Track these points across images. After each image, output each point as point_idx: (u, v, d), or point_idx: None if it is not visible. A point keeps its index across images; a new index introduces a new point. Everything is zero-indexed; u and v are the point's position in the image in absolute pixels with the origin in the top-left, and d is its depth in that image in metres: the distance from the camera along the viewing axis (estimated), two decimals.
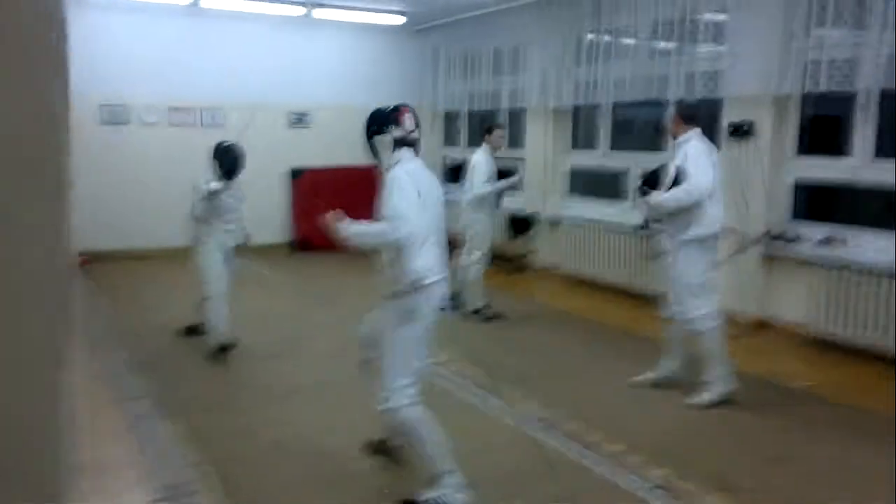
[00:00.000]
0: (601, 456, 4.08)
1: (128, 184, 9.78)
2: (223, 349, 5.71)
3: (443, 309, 3.54)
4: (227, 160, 5.71)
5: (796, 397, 5.12)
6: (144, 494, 3.59)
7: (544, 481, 3.78)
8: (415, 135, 3.59)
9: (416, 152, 3.60)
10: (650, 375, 5.22)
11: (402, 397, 3.40)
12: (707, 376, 4.84)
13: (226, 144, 5.83)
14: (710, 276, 4.88)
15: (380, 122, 3.56)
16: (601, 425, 4.46)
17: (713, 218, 4.78)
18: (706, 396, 4.83)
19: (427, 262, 3.42)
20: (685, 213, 4.79)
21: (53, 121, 0.85)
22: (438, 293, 3.50)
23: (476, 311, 7.05)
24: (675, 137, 5.02)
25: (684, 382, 5.08)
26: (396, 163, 3.49)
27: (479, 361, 5.56)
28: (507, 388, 5.04)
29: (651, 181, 5.04)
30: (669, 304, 5.04)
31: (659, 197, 4.87)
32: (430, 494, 3.41)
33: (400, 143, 3.53)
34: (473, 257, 7.06)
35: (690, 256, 4.81)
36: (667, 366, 5.18)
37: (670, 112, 5.11)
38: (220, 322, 5.73)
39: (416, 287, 3.37)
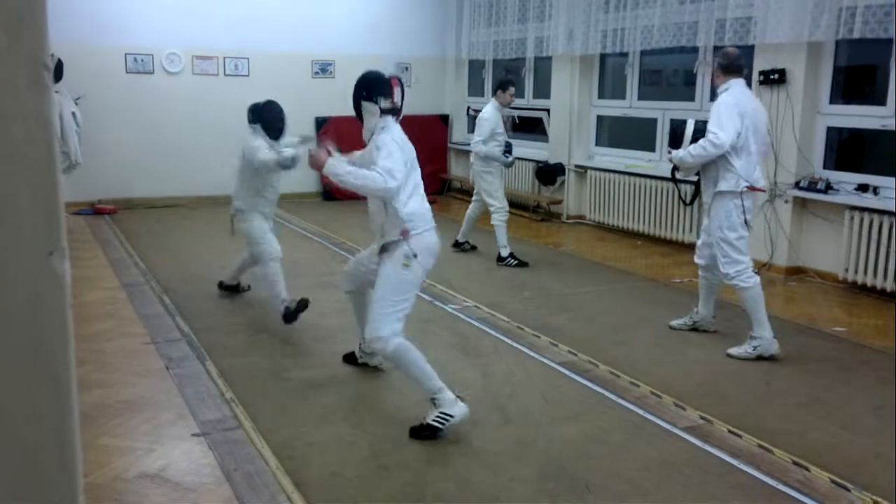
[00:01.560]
0: (631, 398, 4.13)
1: (153, 132, 9.83)
2: (298, 309, 5.25)
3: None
4: (276, 121, 5.39)
5: (829, 342, 5.14)
6: (186, 429, 3.70)
7: (576, 420, 3.85)
8: (399, 105, 3.85)
9: (397, 120, 3.86)
10: (687, 320, 5.25)
11: (391, 334, 3.64)
12: (753, 331, 4.77)
13: (269, 104, 5.45)
14: (745, 232, 4.76)
15: (370, 90, 3.80)
16: (630, 369, 4.51)
17: (744, 172, 4.64)
18: (748, 349, 4.76)
19: (417, 210, 3.71)
20: (714, 167, 4.71)
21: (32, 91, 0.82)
22: (429, 241, 3.75)
23: (503, 259, 7.15)
24: (715, 88, 4.87)
25: (717, 329, 5.14)
26: (382, 128, 3.76)
27: (503, 308, 5.62)
28: (533, 335, 5.10)
29: (678, 135, 4.98)
30: (700, 250, 5.03)
31: (679, 152, 4.82)
32: (432, 415, 3.61)
33: (386, 111, 3.79)
34: (491, 209, 7.16)
35: (723, 210, 4.72)
36: (701, 312, 5.20)
37: (712, 61, 4.95)
38: (282, 285, 5.35)
39: (408, 234, 3.64)
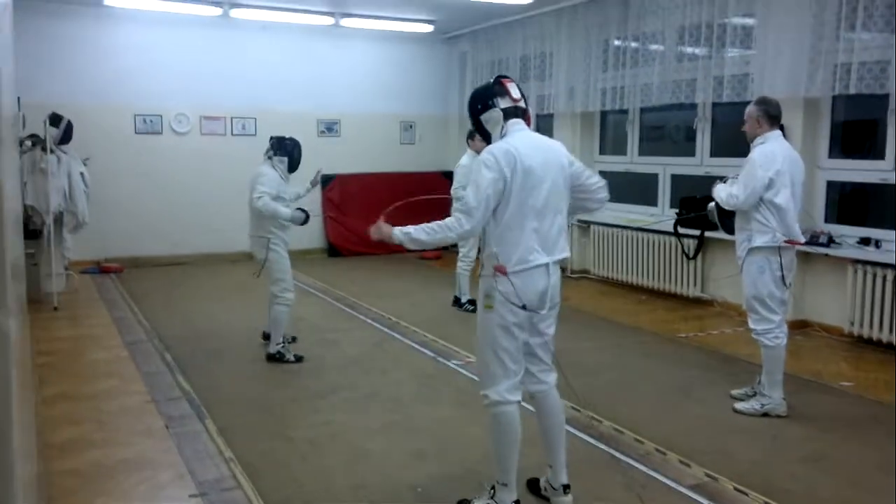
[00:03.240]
0: (637, 455, 4.07)
1: (160, 192, 9.96)
2: (289, 360, 5.75)
3: (524, 307, 3.21)
4: (299, 158, 5.83)
5: (835, 397, 5.08)
6: (184, 489, 3.66)
7: (582, 479, 3.79)
8: (522, 104, 3.34)
9: (528, 124, 3.35)
10: (748, 389, 4.93)
11: (498, 389, 3.25)
12: (764, 388, 4.69)
13: (296, 142, 5.86)
14: (778, 291, 4.60)
15: (484, 98, 3.34)
16: (634, 426, 4.46)
17: (780, 226, 4.50)
18: (756, 406, 4.68)
19: (513, 246, 3.18)
20: (747, 221, 4.59)
21: None
22: (527, 283, 3.19)
23: (458, 303, 7.48)
24: (751, 139, 4.66)
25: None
26: (504, 135, 3.27)
27: None
28: None
29: (691, 204, 4.89)
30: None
31: (720, 193, 4.71)
32: (482, 501, 3.38)
33: (509, 114, 3.31)
34: (460, 254, 7.46)
35: (756, 266, 4.59)
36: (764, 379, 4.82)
37: (750, 110, 4.66)
38: (283, 330, 5.83)
39: (504, 271, 3.16)
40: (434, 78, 11.67)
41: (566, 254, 3.37)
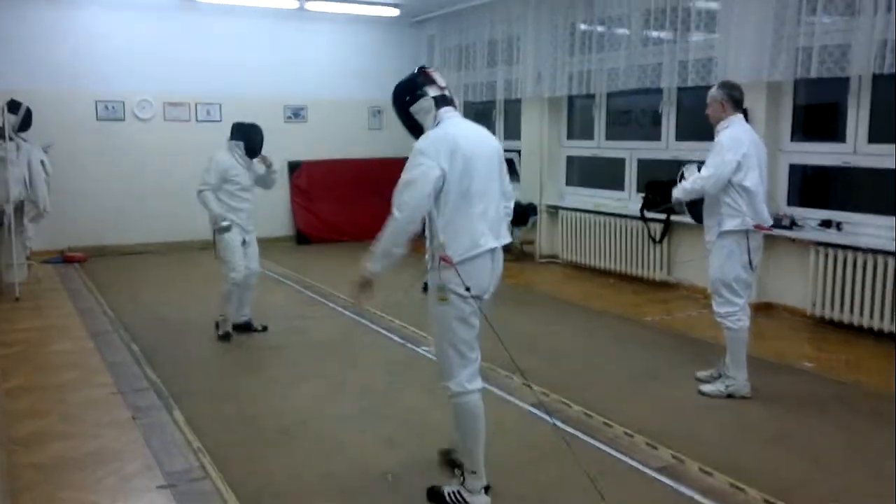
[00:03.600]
0: (605, 438, 4.12)
1: (124, 179, 9.80)
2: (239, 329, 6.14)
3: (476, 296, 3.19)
4: (259, 144, 5.87)
5: (799, 377, 5.18)
6: (152, 480, 3.62)
7: (550, 462, 3.82)
8: (447, 92, 3.31)
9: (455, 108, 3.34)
10: (714, 371, 4.99)
11: (460, 380, 3.25)
12: (728, 371, 4.74)
13: (255, 127, 5.91)
14: (745, 274, 4.63)
15: (411, 89, 3.29)
16: (602, 409, 4.50)
17: (749, 210, 4.52)
18: (721, 388, 4.74)
19: (462, 233, 3.13)
20: (717, 205, 4.60)
21: None
22: (476, 270, 3.17)
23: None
24: (714, 123, 4.67)
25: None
26: (437, 123, 3.23)
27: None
28: (505, 375, 5.08)
29: (657, 188, 4.90)
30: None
31: (676, 192, 4.78)
32: (451, 487, 3.39)
33: (440, 101, 3.26)
34: None
35: (725, 250, 4.61)
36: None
37: (713, 94, 4.65)
38: (231, 308, 6.03)
39: (449, 261, 3.11)
40: (401, 62, 11.52)
41: (509, 238, 3.38)
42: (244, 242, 5.91)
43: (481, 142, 3.28)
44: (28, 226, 7.84)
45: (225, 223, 5.74)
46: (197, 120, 10.24)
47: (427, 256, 3.28)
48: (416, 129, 3.33)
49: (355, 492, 3.55)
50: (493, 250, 3.23)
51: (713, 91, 4.71)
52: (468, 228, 3.15)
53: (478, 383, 3.32)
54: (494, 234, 3.24)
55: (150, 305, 7.18)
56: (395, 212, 3.10)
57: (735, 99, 4.63)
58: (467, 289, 3.13)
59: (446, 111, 3.27)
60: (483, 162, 3.21)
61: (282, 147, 10.55)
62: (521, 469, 3.76)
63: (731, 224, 4.57)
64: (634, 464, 3.82)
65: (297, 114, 10.97)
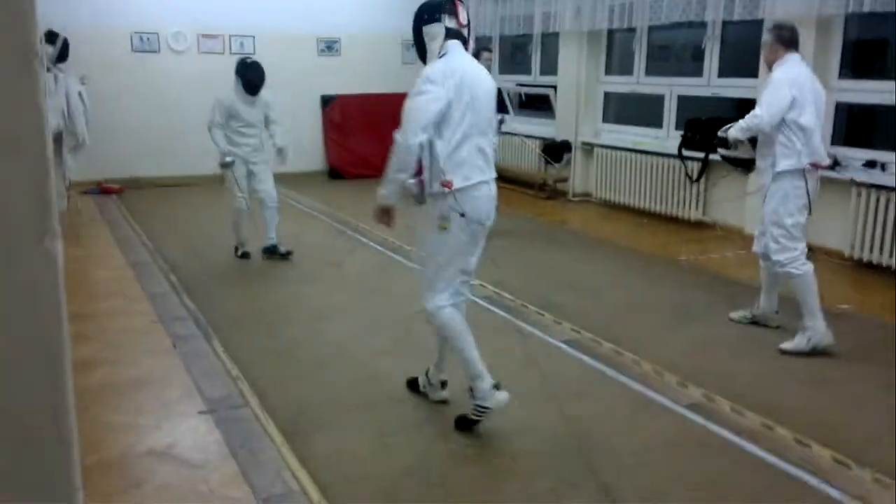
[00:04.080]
0: (634, 375, 4.15)
1: (159, 112, 9.83)
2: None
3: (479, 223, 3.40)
4: (255, 79, 5.98)
5: (838, 319, 5.11)
6: (192, 406, 3.74)
7: (579, 397, 3.87)
8: (466, 31, 3.38)
9: (466, 49, 3.40)
10: (748, 313, 4.95)
11: (435, 301, 3.44)
12: (805, 321, 4.51)
13: (253, 64, 6.04)
14: (802, 217, 4.46)
15: (432, 10, 3.33)
16: (634, 347, 4.52)
17: (805, 148, 4.34)
18: (801, 343, 4.49)
19: (460, 164, 3.27)
20: (771, 145, 4.43)
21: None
22: (476, 199, 3.33)
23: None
24: (769, 65, 4.51)
25: (780, 325, 4.82)
26: (443, 55, 3.30)
27: (509, 287, 5.63)
28: (537, 313, 5.11)
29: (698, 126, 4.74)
30: (759, 239, 4.72)
31: (732, 130, 4.61)
32: (470, 408, 3.49)
33: (452, 34, 3.33)
34: None
35: (780, 192, 4.44)
36: (763, 305, 4.88)
37: (764, 39, 4.56)
38: (242, 234, 6.38)
39: (445, 191, 3.24)
40: None
41: (495, 174, 3.51)
42: (250, 173, 6.20)
43: (483, 80, 3.40)
44: (67, 157, 7.93)
45: (228, 159, 6.00)
46: (231, 52, 10.15)
47: (415, 187, 3.38)
48: (421, 51, 3.43)
49: (390, 421, 3.63)
50: (489, 181, 3.42)
51: (764, 36, 4.62)
52: (469, 161, 3.31)
53: (451, 299, 3.48)
54: (490, 167, 3.44)
55: (187, 236, 7.29)
56: (399, 137, 3.24)
57: (784, 39, 4.47)
58: (462, 215, 3.28)
59: (454, 44, 3.35)
60: (485, 99, 3.37)
61: (315, 81, 10.51)
62: (554, 402, 3.81)
63: (785, 164, 4.39)
64: (665, 401, 3.85)
65: (330, 47, 10.85)
